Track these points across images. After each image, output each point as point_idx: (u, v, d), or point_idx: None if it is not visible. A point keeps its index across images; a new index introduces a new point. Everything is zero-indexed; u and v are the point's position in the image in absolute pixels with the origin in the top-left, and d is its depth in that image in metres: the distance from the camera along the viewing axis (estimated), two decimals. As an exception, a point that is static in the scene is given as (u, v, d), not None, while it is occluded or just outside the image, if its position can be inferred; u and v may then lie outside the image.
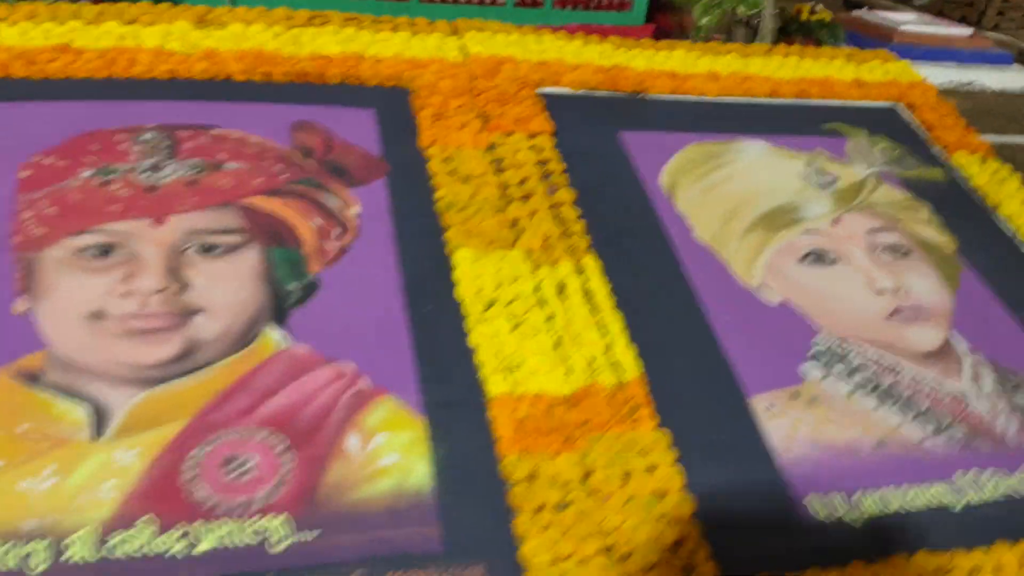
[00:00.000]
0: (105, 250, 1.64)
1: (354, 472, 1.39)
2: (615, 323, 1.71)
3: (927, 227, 2.17)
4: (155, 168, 1.84)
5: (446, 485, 1.41)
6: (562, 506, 1.42)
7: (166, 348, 1.50)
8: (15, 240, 1.65)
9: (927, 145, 2.52)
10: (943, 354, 1.84)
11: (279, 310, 1.62)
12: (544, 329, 1.68)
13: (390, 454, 1.42)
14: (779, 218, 2.09)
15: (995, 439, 1.68)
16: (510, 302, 1.72)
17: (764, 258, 1.96)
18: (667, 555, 1.38)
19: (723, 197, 2.12)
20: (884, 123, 2.58)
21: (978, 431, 1.68)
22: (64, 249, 1.64)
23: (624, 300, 1.80)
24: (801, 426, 1.61)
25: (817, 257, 1.99)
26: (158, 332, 1.53)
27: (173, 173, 1.83)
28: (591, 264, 1.83)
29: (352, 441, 1.43)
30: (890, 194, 2.26)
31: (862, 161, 2.35)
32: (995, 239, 2.20)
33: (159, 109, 2.00)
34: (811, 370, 1.73)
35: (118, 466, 1.33)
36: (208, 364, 1.50)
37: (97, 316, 1.53)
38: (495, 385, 1.56)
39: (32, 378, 1.44)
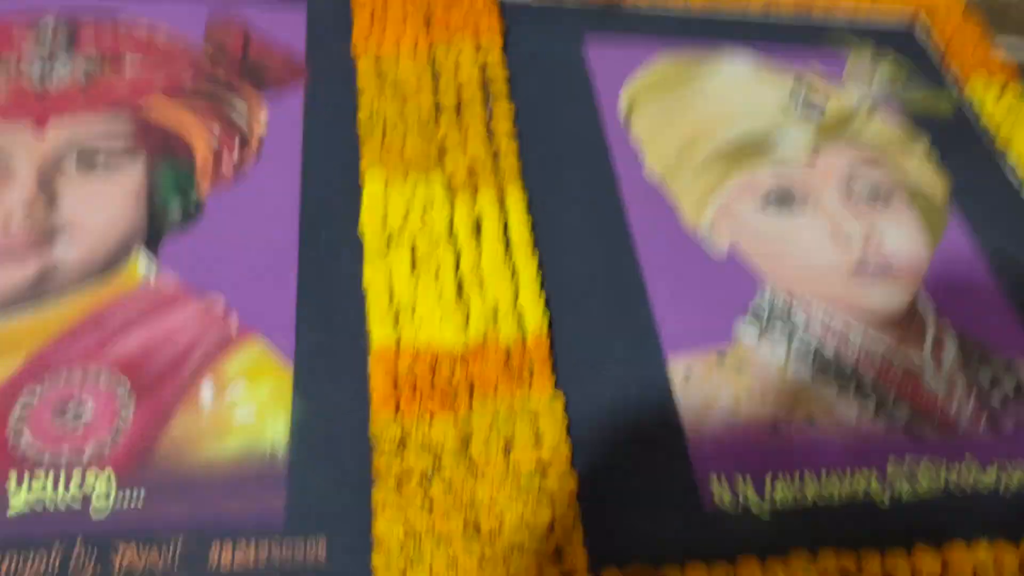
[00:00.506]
0: (-26, 157, 1.50)
1: (202, 427, 1.27)
2: (528, 267, 1.54)
3: (918, 167, 1.93)
4: (47, 61, 1.67)
5: (303, 447, 1.29)
6: (430, 475, 1.29)
7: (17, 271, 1.37)
8: None
9: (940, 68, 2.23)
10: (906, 318, 1.64)
11: (155, 234, 1.48)
12: (449, 270, 1.51)
13: (246, 407, 1.30)
14: (746, 149, 1.86)
15: (943, 424, 1.50)
16: (416, 236, 1.55)
17: (719, 196, 1.75)
18: (538, 537, 1.25)
19: (686, 122, 1.89)
20: (897, 41, 2.29)
21: (925, 413, 1.50)
22: (-71, 153, 1.50)
23: (547, 239, 1.63)
24: (720, 397, 1.45)
25: (780, 198, 1.78)
26: (14, 253, 1.39)
27: (66, 69, 1.66)
28: (516, 195, 1.65)
29: (206, 390, 1.30)
30: (885, 124, 2.01)
31: (860, 84, 2.08)
32: (996, 185, 1.95)
33: (63, -5, 1.82)
34: (746, 330, 1.55)
35: (-64, 406, 1.22)
36: (62, 292, 1.36)
37: (-50, 232, 1.40)
38: (379, 333, 1.41)
39: None
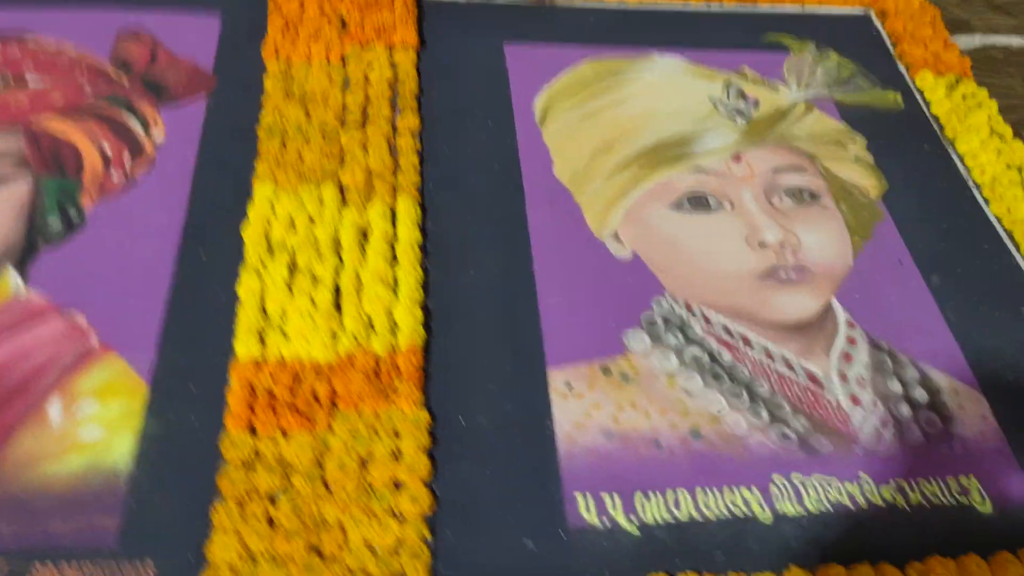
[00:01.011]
0: None
1: (44, 446, 1.25)
2: (409, 279, 1.49)
3: (852, 165, 1.84)
4: (-52, 83, 1.68)
5: (148, 467, 1.26)
6: (276, 495, 1.25)
7: None
8: None
9: (893, 62, 2.13)
10: (816, 326, 1.56)
11: (30, 250, 1.47)
12: (326, 283, 1.48)
13: (94, 426, 1.27)
14: (665, 152, 1.79)
15: (842, 437, 1.41)
16: (297, 249, 1.52)
17: (626, 202, 1.69)
18: (382, 560, 1.20)
19: (603, 126, 1.83)
20: (853, 28, 2.20)
21: (824, 425, 1.42)
22: None
23: (442, 252, 1.58)
24: (597, 411, 1.38)
25: (696, 202, 1.70)
26: None
27: (-34, 89, 1.67)
28: (407, 206, 1.60)
29: (54, 409, 1.28)
30: (820, 124, 1.92)
31: (797, 82, 2.00)
32: (937, 183, 1.85)
33: (-26, 14, 1.83)
34: (635, 340, 1.48)
35: None
36: (-74, 312, 1.36)
37: None
38: (244, 347, 1.38)
39: None
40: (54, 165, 1.59)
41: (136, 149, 1.64)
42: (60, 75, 1.74)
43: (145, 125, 1.68)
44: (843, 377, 1.48)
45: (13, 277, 1.43)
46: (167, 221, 1.54)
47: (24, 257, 1.46)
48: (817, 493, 1.34)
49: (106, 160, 1.61)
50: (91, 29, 1.84)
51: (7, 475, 1.22)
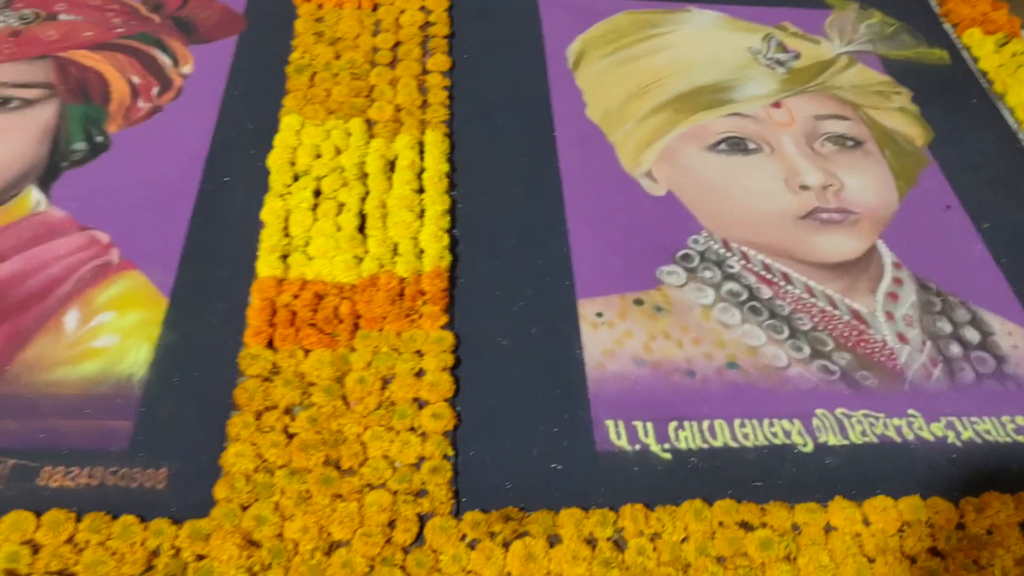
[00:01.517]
0: None
1: (58, 351, 1.22)
2: (436, 206, 1.45)
3: (897, 115, 1.77)
4: (-20, 16, 1.68)
5: (162, 375, 1.22)
6: (296, 409, 1.21)
7: (-97, 204, 1.36)
8: None
9: (938, 21, 2.07)
10: (859, 266, 1.49)
11: (54, 170, 1.45)
12: (351, 208, 1.44)
13: (109, 335, 1.24)
14: (701, 98, 1.74)
15: (887, 373, 1.34)
16: (322, 176, 1.49)
17: (661, 143, 1.64)
18: (399, 475, 1.15)
19: (638, 71, 1.79)
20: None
21: (868, 361, 1.35)
22: None
23: (469, 183, 1.54)
24: (628, 339, 1.33)
25: (733, 144, 1.65)
26: (-94, 188, 1.38)
27: (-2, 22, 1.67)
28: (436, 139, 1.57)
29: (71, 318, 1.25)
30: (862, 76, 1.86)
31: (839, 38, 1.94)
32: (986, 132, 1.78)
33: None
34: (670, 275, 1.43)
35: None
36: (-52, 224, 1.34)
37: None
38: (265, 266, 1.34)
39: None
40: (81, 93, 1.57)
41: (164, 82, 1.62)
42: (91, 12, 1.73)
43: (175, 60, 1.67)
44: (889, 316, 1.41)
45: (35, 194, 1.41)
46: (192, 146, 1.52)
47: (47, 177, 1.44)
48: (862, 426, 1.26)
49: (134, 91, 1.59)
50: (124, -29, 1.83)
51: (20, 378, 1.19)
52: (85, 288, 1.30)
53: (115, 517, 1.08)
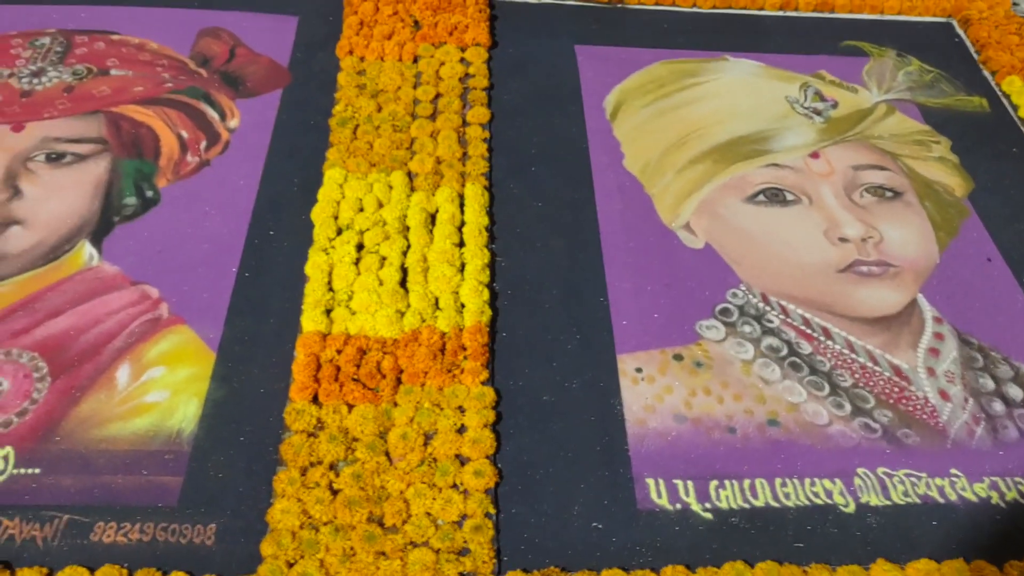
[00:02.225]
0: (-49, 155, 1.56)
1: (111, 407, 1.25)
2: (476, 261, 1.47)
3: (936, 165, 1.77)
4: (37, 73, 1.75)
5: (211, 430, 1.25)
6: (340, 465, 1.23)
7: (-35, 260, 1.40)
8: None
9: (977, 68, 2.07)
10: (900, 320, 1.48)
11: (106, 224, 1.49)
12: (393, 263, 1.47)
13: (160, 390, 1.27)
14: (739, 149, 1.75)
15: (930, 431, 1.33)
16: (365, 230, 1.52)
17: (700, 195, 1.65)
18: (443, 533, 1.16)
19: (676, 122, 1.81)
20: (931, 41, 2.14)
21: (911, 418, 1.34)
22: (-86, 152, 1.57)
23: (508, 236, 1.56)
24: (668, 395, 1.33)
25: (772, 195, 1.66)
26: (-34, 242, 1.43)
27: (53, 79, 1.73)
28: (475, 192, 1.59)
29: (122, 373, 1.29)
30: (901, 125, 1.86)
31: (878, 86, 1.95)
32: (1026, 184, 1.77)
33: (67, 13, 1.90)
34: (709, 329, 1.43)
35: None
36: (4, 278, 1.39)
37: (-87, 223, 1.46)
38: (310, 321, 1.37)
39: None
40: (132, 148, 1.62)
41: (212, 136, 1.67)
42: (142, 68, 1.78)
43: (222, 114, 1.71)
44: (931, 372, 1.40)
45: (87, 249, 1.45)
46: (239, 200, 1.56)
47: (99, 232, 1.48)
48: (904, 486, 1.26)
49: (183, 145, 1.64)
50: (173, 27, 1.89)
51: (74, 434, 1.22)
52: (136, 343, 1.33)
53: (165, 573, 1.10)
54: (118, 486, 1.17)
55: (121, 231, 1.49)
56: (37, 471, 1.18)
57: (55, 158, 1.58)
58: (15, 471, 1.18)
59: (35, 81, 1.73)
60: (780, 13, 2.15)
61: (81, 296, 1.38)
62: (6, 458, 1.19)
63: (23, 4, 1.93)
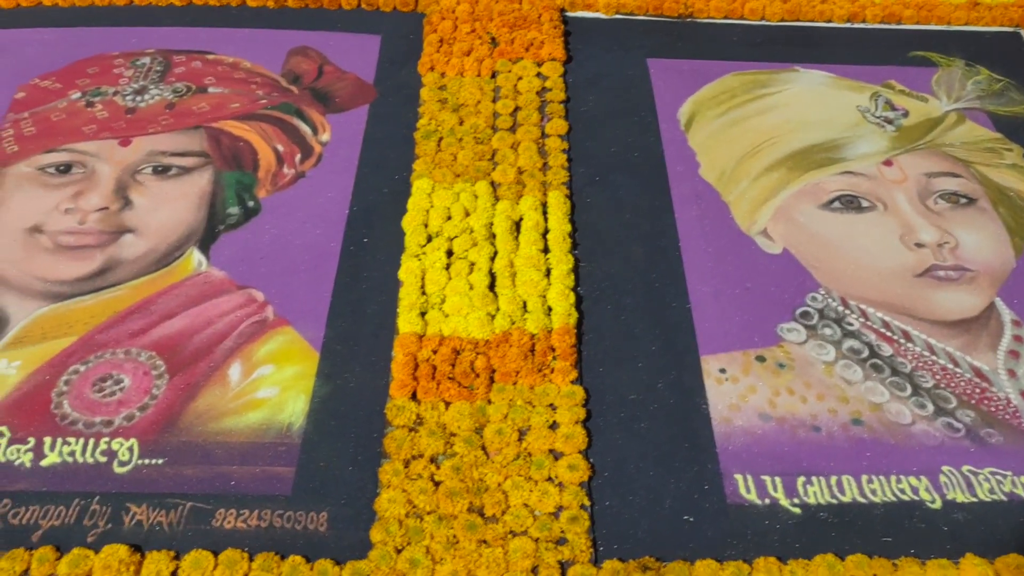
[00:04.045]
0: (66, 168, 1.67)
1: (225, 402, 1.33)
2: (562, 265, 1.53)
3: (1009, 172, 1.79)
4: (140, 91, 1.85)
5: (319, 424, 1.32)
6: (439, 458, 1.29)
7: (84, 265, 1.50)
8: (-12, 156, 1.70)
9: (1047, 75, 2.08)
10: (979, 323, 1.51)
11: (212, 233, 1.58)
12: (481, 268, 1.53)
13: (269, 387, 1.35)
14: (813, 157, 1.79)
15: (1013, 431, 1.36)
16: (454, 237, 1.59)
17: (776, 202, 1.69)
18: (540, 524, 1.22)
19: (750, 131, 1.85)
20: (999, 51, 2.16)
21: (993, 418, 1.37)
22: (30, 165, 1.68)
23: (589, 241, 1.62)
24: (752, 395, 1.38)
25: (847, 202, 1.69)
26: (84, 249, 1.53)
27: (155, 96, 1.83)
28: (558, 200, 1.65)
29: (234, 370, 1.37)
30: (972, 133, 1.89)
31: (947, 95, 1.97)
32: (1102, 190, 1.78)
33: (164, 34, 2.01)
34: (790, 332, 1.47)
35: (-3, 376, 1.35)
36: (121, 283, 1.48)
37: (35, 230, 1.56)
38: (405, 323, 1.44)
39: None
40: (232, 161, 1.71)
41: (306, 149, 1.75)
42: (237, 85, 1.88)
43: (314, 129, 1.80)
44: (1012, 373, 1.43)
45: (196, 255, 1.54)
46: (333, 211, 1.64)
47: (206, 240, 1.57)
48: (990, 483, 1.28)
49: (279, 158, 1.73)
50: (264, 47, 1.98)
51: (193, 428, 1.30)
52: (245, 343, 1.41)
53: (283, 557, 1.17)
54: (236, 475, 1.25)
55: (226, 239, 1.58)
56: (161, 461, 1.26)
57: (162, 170, 1.68)
58: (140, 461, 1.26)
59: (138, 99, 1.84)
60: (848, 25, 2.18)
61: (193, 299, 1.47)
62: (131, 449, 1.28)
63: (123, 26, 2.04)
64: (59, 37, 1.99)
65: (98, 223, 1.58)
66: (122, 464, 1.26)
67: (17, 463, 1.25)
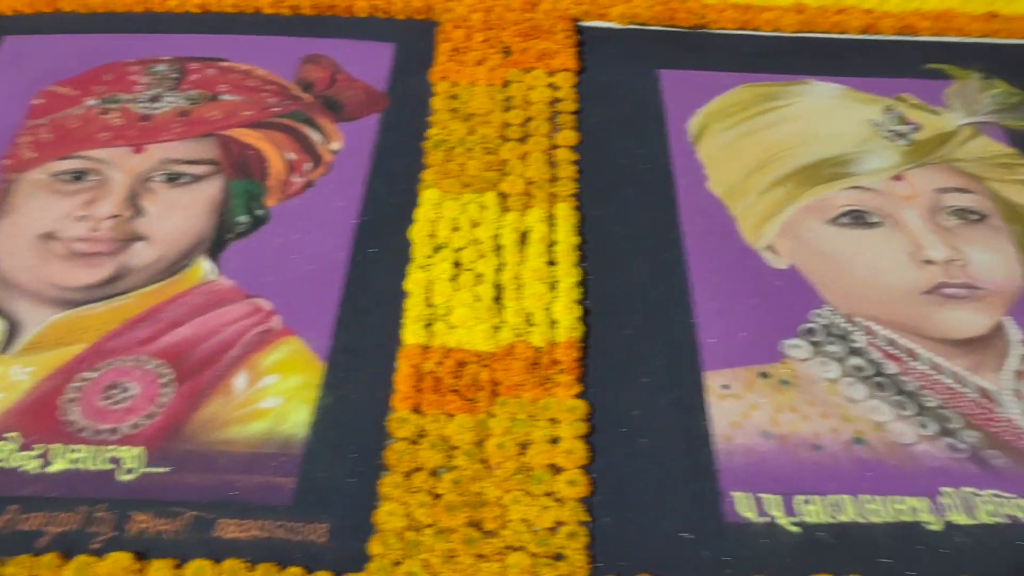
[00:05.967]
0: (79, 175, 1.69)
1: (229, 411, 1.35)
2: (568, 278, 1.54)
3: (1021, 188, 1.78)
4: (155, 99, 1.87)
5: (321, 435, 1.33)
6: (440, 471, 1.30)
7: (96, 272, 1.53)
8: (5, 163, 1.73)
9: (1065, 88, 2.06)
10: (986, 343, 1.50)
11: (220, 241, 1.60)
12: (488, 279, 1.54)
13: (273, 397, 1.37)
14: (821, 171, 1.79)
15: (1018, 453, 1.35)
16: (461, 248, 1.60)
17: (782, 217, 1.69)
18: (539, 539, 1.23)
19: (759, 145, 1.85)
20: (1016, 63, 2.14)
21: (996, 440, 1.36)
22: (44, 172, 1.70)
23: (596, 254, 1.63)
24: (755, 412, 1.38)
25: (855, 217, 1.69)
26: (96, 256, 1.55)
27: (169, 104, 1.85)
28: (565, 213, 1.66)
29: (239, 380, 1.38)
30: (986, 148, 1.87)
31: (962, 109, 1.96)
32: (1117, 208, 1.76)
33: (179, 41, 2.03)
34: (794, 348, 1.47)
35: (9, 381, 1.37)
36: (130, 291, 1.50)
37: (48, 237, 1.59)
38: (410, 334, 1.45)
39: (-32, 290, 1.51)
40: (242, 169, 1.73)
41: (316, 158, 1.77)
42: (249, 93, 1.90)
43: (324, 137, 1.81)
44: (1018, 395, 1.42)
45: (205, 264, 1.56)
46: (342, 220, 1.65)
47: (215, 248, 1.58)
48: (991, 506, 1.28)
49: (289, 166, 1.74)
50: (277, 54, 2.00)
51: (197, 435, 1.32)
52: (251, 352, 1.43)
53: (283, 568, 1.18)
54: (238, 485, 1.27)
55: (235, 248, 1.60)
56: (166, 470, 1.28)
57: (173, 178, 1.70)
58: (146, 469, 1.28)
59: (153, 106, 1.86)
60: (863, 37, 2.16)
61: (200, 308, 1.49)
62: (138, 457, 1.29)
63: (138, 33, 2.06)
64: (77, 44, 2.01)
65: (110, 231, 1.60)
66: (128, 472, 1.27)
67: (26, 469, 1.28)
